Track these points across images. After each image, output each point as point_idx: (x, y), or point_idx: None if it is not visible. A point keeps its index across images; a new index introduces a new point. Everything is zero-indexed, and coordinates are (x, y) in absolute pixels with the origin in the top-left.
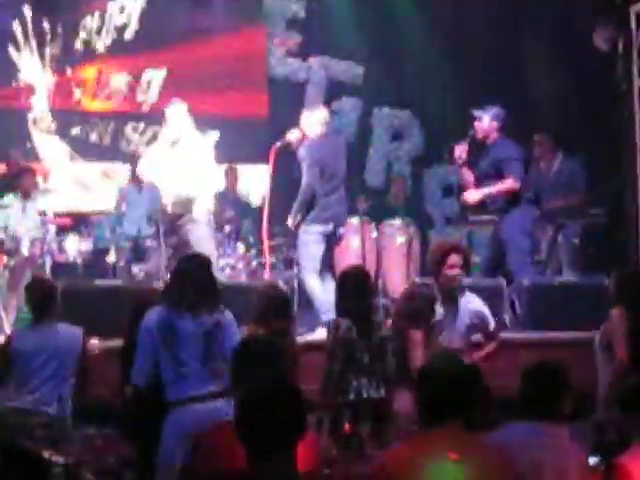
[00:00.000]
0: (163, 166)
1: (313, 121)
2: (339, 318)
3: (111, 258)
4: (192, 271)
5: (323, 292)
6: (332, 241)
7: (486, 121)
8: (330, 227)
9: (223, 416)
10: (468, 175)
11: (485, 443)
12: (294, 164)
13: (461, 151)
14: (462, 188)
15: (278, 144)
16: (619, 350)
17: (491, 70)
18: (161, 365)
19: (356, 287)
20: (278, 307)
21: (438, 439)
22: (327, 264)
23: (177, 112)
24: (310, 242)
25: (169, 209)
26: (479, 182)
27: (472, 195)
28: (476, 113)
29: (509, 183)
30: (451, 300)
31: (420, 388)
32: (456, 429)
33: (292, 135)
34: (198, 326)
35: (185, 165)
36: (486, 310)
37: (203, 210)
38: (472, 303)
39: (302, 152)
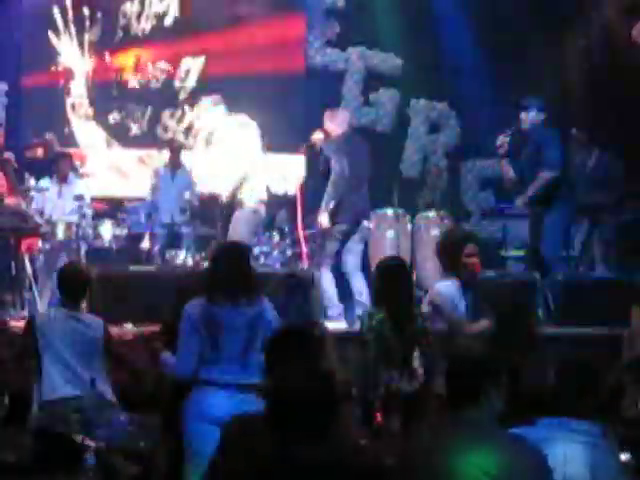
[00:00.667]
0: (207, 159)
1: (336, 122)
2: (373, 309)
3: (145, 244)
4: (231, 260)
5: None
6: (365, 236)
7: (533, 112)
8: (349, 227)
9: (246, 409)
10: (507, 169)
11: (512, 436)
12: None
13: (502, 141)
14: (503, 181)
15: (304, 144)
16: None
17: (528, 65)
18: (201, 350)
19: (393, 278)
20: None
21: (460, 428)
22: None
23: (208, 106)
24: (328, 240)
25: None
26: (521, 173)
27: (519, 201)
28: (523, 103)
29: (544, 176)
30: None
31: (446, 374)
32: (479, 418)
33: (316, 136)
34: (241, 317)
35: (227, 156)
36: None
37: (251, 196)
38: None
39: (328, 150)
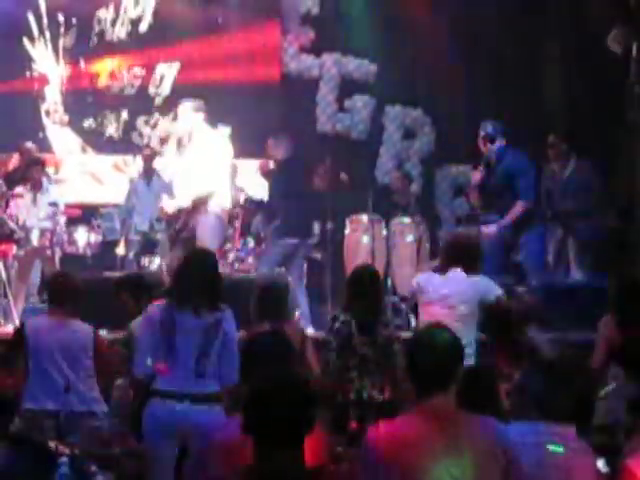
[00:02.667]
0: (177, 163)
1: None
2: (339, 312)
3: (120, 250)
4: (196, 268)
5: None
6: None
7: (497, 142)
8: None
9: (195, 420)
10: (475, 197)
11: (478, 422)
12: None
13: (476, 178)
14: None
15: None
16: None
17: (504, 71)
18: (157, 355)
19: (364, 285)
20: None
21: (427, 416)
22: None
23: (188, 110)
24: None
25: (185, 203)
26: (488, 202)
27: (490, 231)
28: (482, 132)
29: (520, 206)
30: None
31: (409, 360)
32: (444, 405)
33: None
34: (198, 323)
35: (199, 161)
36: None
37: (215, 204)
38: None
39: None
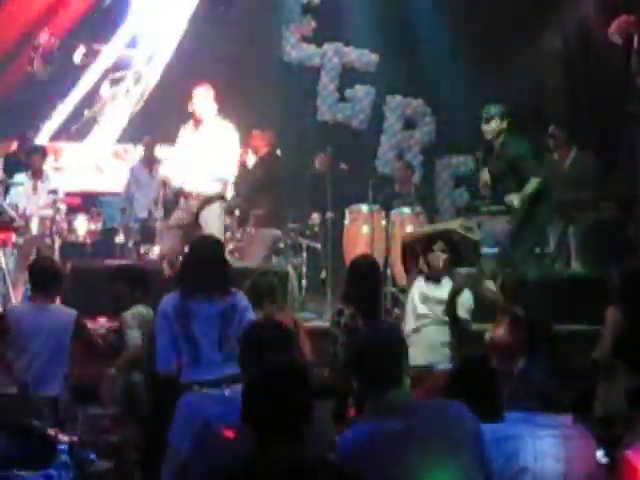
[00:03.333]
0: (186, 149)
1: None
2: (344, 305)
3: (120, 239)
4: (206, 254)
5: None
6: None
7: (496, 122)
8: None
9: (238, 402)
10: (485, 176)
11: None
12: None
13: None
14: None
15: None
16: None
17: (505, 61)
18: (179, 348)
19: (364, 276)
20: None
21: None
22: None
23: (204, 96)
24: None
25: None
26: (495, 182)
27: (515, 199)
28: (484, 113)
29: (536, 181)
30: None
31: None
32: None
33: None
34: (214, 309)
35: (208, 149)
36: None
37: (216, 193)
38: None
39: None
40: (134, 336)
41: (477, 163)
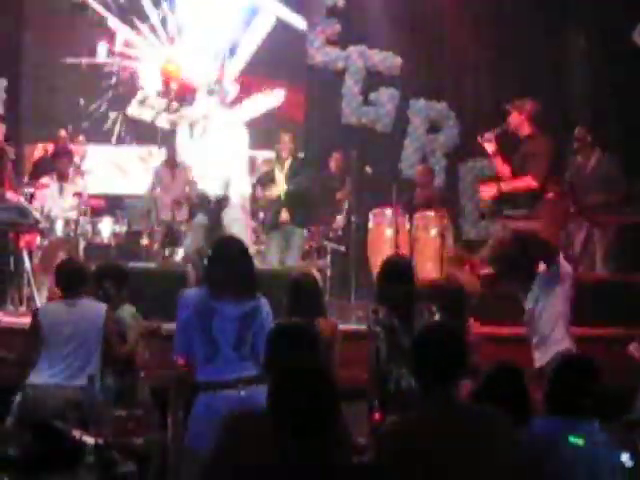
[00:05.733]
0: (201, 148)
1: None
2: (377, 305)
3: (144, 241)
4: (235, 255)
5: None
6: None
7: (517, 114)
8: None
9: (254, 403)
10: (503, 168)
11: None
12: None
13: (488, 138)
14: (498, 179)
15: None
16: None
17: (530, 64)
18: (195, 346)
19: (396, 274)
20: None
21: (437, 410)
22: None
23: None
24: None
25: (207, 191)
26: (514, 175)
27: (487, 191)
28: (509, 105)
29: (527, 180)
30: None
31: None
32: (452, 399)
33: None
34: (237, 310)
35: (224, 149)
36: None
37: (238, 194)
38: None
39: None
40: (135, 337)
41: None
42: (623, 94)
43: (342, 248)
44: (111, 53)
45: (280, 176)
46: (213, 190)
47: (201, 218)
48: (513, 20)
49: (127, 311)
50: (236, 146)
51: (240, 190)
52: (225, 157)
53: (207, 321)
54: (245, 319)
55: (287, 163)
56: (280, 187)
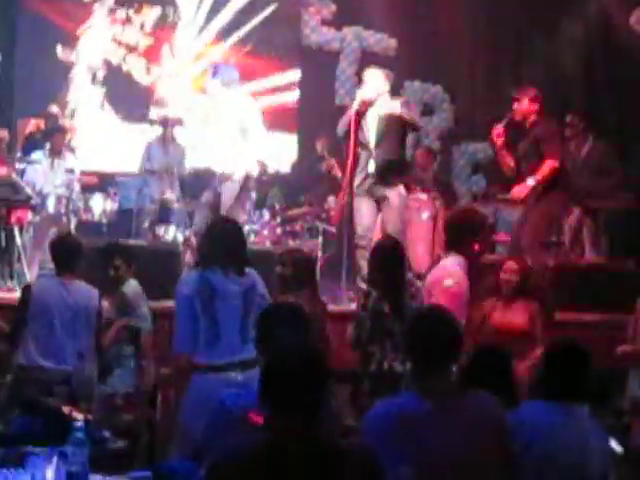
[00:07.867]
0: (208, 124)
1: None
2: (369, 288)
3: (136, 219)
4: (232, 234)
5: None
6: None
7: (525, 103)
8: None
9: (252, 386)
10: (509, 159)
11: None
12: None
13: (499, 130)
14: (503, 172)
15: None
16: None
17: (524, 49)
18: (197, 330)
19: (387, 258)
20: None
21: (427, 394)
22: None
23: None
24: None
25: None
26: (518, 164)
27: (519, 191)
28: (514, 95)
29: (549, 164)
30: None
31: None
32: (445, 384)
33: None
34: (235, 285)
35: (230, 125)
36: None
37: (240, 171)
38: None
39: None
40: (147, 312)
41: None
42: (619, 81)
43: (333, 229)
44: None
45: None
46: (220, 167)
47: (207, 196)
48: (508, 4)
49: (132, 286)
50: (248, 125)
51: (246, 166)
52: (238, 134)
53: (209, 302)
54: (246, 296)
55: None
56: None
